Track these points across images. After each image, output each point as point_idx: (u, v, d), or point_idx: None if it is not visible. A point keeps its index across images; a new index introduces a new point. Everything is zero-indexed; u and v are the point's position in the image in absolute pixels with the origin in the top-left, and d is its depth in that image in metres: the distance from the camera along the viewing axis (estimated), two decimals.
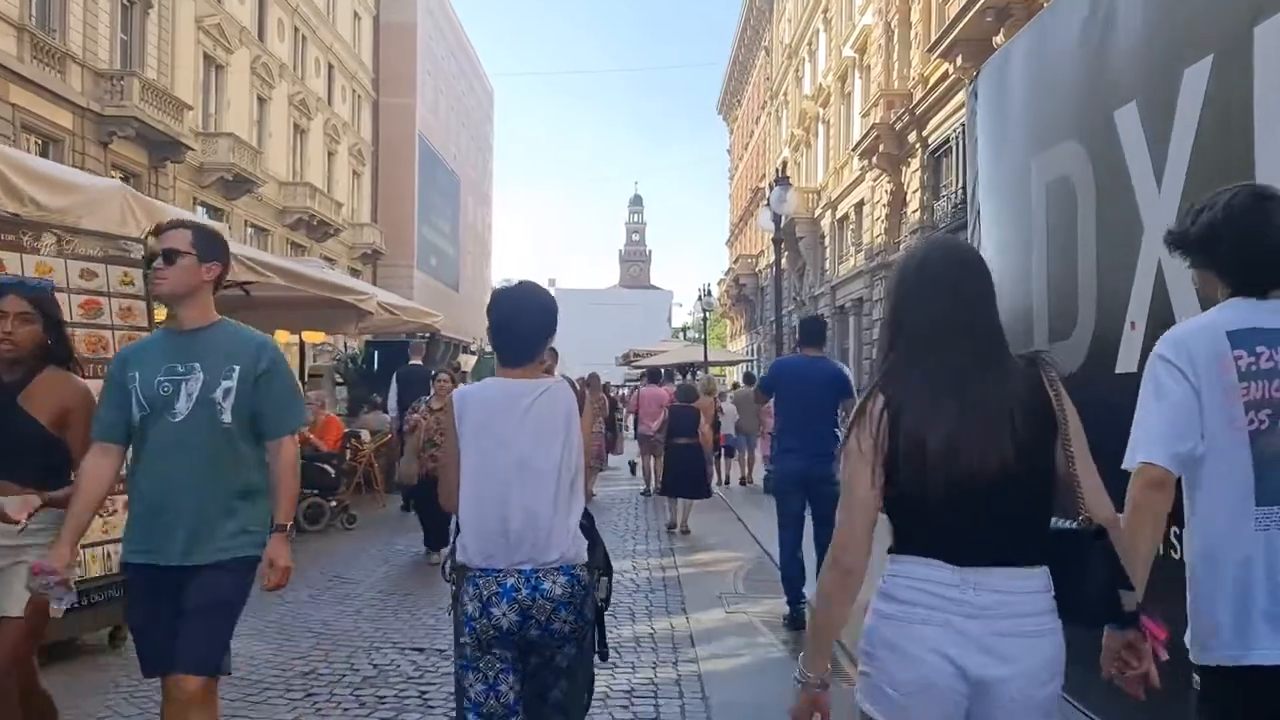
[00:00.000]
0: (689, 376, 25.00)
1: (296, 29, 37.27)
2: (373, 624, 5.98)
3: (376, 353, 14.74)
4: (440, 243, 55.54)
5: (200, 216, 29.80)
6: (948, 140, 21.82)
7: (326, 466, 9.72)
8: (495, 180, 79.26)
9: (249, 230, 33.35)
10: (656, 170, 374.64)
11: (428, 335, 15.52)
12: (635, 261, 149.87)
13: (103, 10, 23.95)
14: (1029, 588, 1.92)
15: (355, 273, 45.36)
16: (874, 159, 25.72)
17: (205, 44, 29.44)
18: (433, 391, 8.31)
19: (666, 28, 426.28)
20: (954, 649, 1.88)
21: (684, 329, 58.02)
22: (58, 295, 4.90)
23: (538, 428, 2.83)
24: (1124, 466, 2.09)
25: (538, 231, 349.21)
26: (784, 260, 41.52)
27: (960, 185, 20.99)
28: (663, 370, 22.43)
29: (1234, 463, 2.01)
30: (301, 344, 13.44)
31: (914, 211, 23.78)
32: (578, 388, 2.99)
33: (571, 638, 2.80)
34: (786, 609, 6.16)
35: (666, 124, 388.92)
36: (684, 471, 10.40)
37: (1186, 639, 2.09)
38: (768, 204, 14.04)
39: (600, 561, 3.02)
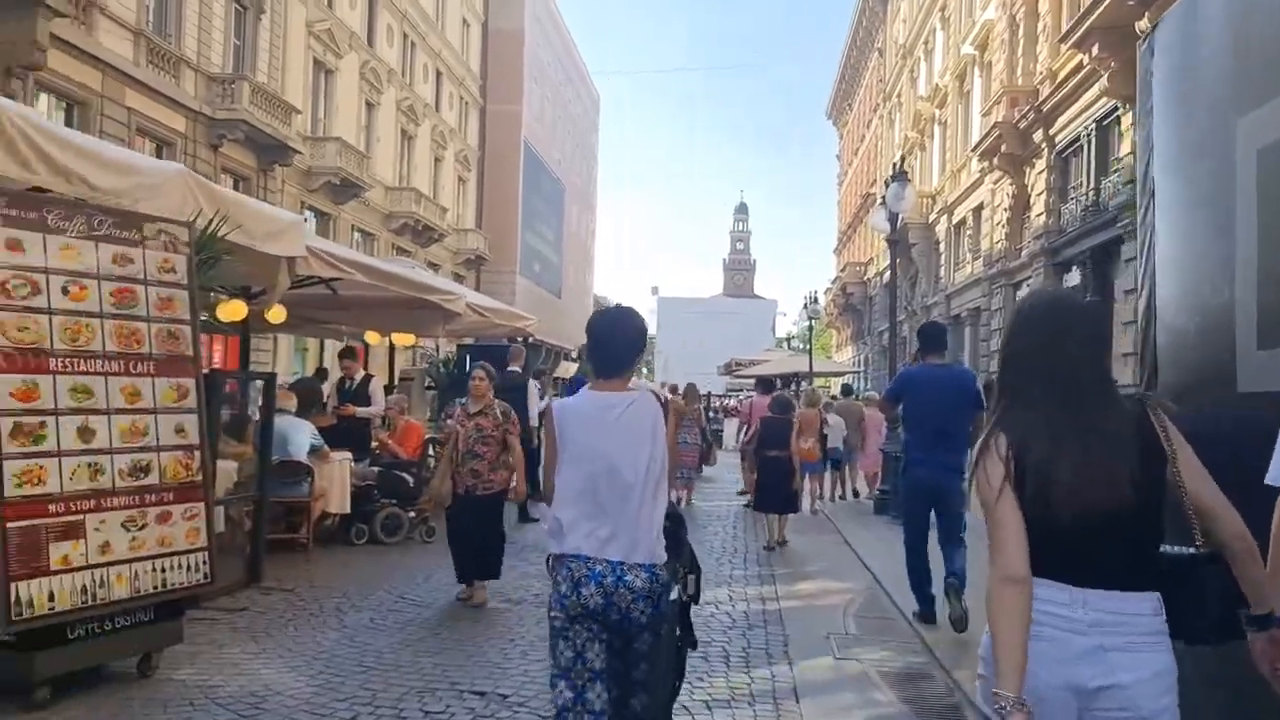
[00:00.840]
0: (793, 387, 24.00)
1: (405, 35, 37.61)
2: (433, 659, 5.29)
3: (469, 357, 14.23)
4: (543, 249, 55.58)
5: (308, 220, 30.26)
6: (1077, 139, 20.35)
7: (405, 475, 9.17)
8: (598, 187, 79.32)
9: (355, 235, 33.70)
10: (762, 176, 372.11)
11: (525, 339, 15.00)
12: (739, 270, 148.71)
13: (216, 15, 24.34)
14: (1139, 609, 2.03)
15: (459, 278, 45.63)
16: (995, 160, 24.28)
17: (315, 49, 29.79)
18: (469, 394, 6.97)
19: (777, 31, 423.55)
20: (1064, 664, 2.00)
21: (788, 338, 56.72)
22: (85, 281, 4.41)
23: (626, 436, 3.11)
24: (1267, 481, 2.10)
25: (639, 239, 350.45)
26: (897, 263, 40.21)
27: (1091, 187, 19.52)
28: (777, 380, 21.59)
29: None
30: (391, 346, 13.03)
31: (1038, 215, 22.29)
32: (662, 399, 3.25)
33: (648, 627, 3.08)
34: (917, 622, 6.24)
35: (773, 130, 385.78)
36: (776, 485, 9.95)
37: None
38: (882, 202, 13.03)
39: (687, 560, 3.35)
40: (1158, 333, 4.37)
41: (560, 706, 3.02)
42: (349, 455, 8.61)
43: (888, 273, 42.71)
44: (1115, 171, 18.44)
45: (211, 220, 5.45)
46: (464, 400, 7.03)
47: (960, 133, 31.08)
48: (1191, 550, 2.11)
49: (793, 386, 23.17)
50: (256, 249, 6.77)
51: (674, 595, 3.18)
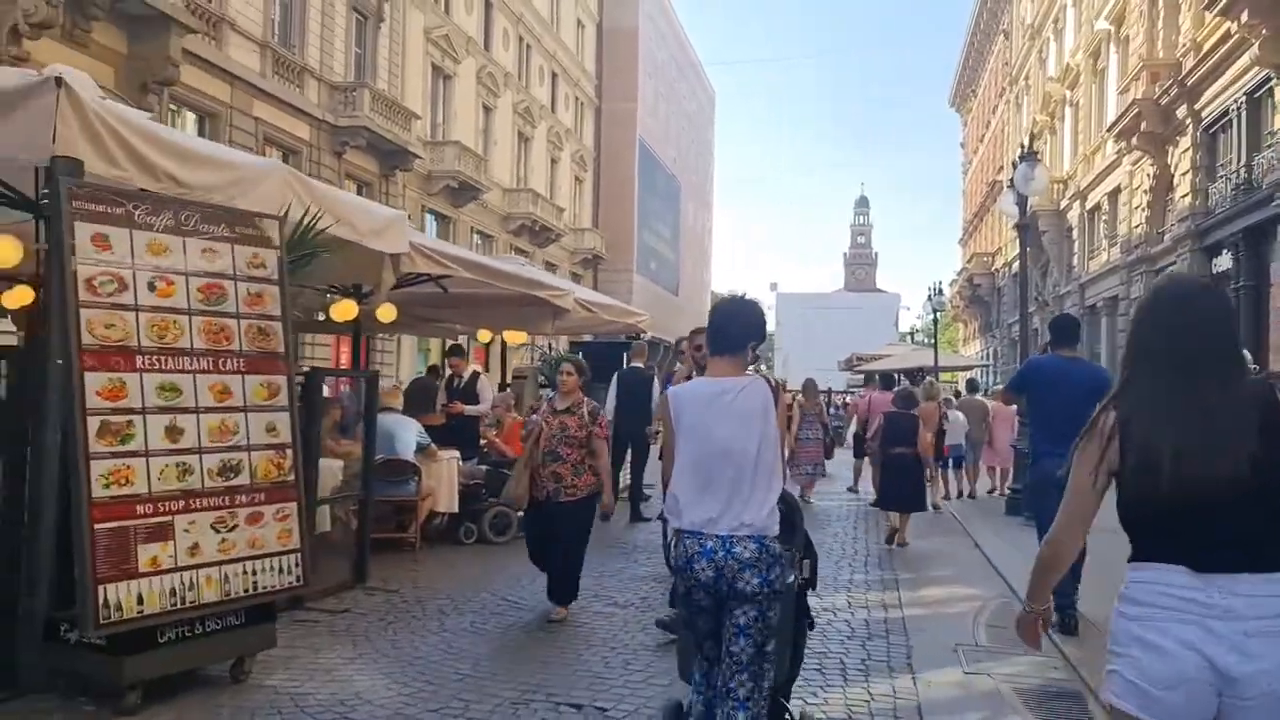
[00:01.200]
0: (910, 380, 23.12)
1: (521, 38, 38.00)
2: (531, 667, 5.06)
3: (582, 354, 14.10)
4: (660, 247, 55.48)
5: (428, 223, 30.84)
6: (1226, 113, 18.90)
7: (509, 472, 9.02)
8: (714, 183, 78.84)
9: (474, 237, 34.22)
10: (884, 169, 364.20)
11: (643, 336, 14.80)
12: (861, 264, 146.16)
13: (339, 25, 24.98)
14: (1272, 592, 2.01)
15: (576, 277, 45.93)
16: (1134, 140, 22.82)
17: (433, 54, 30.32)
18: (558, 388, 6.38)
19: (895, 15, 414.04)
20: (1207, 646, 2.00)
21: (911, 332, 55.10)
22: (172, 277, 4.33)
23: (737, 418, 3.29)
24: None
25: (758, 235, 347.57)
26: (1028, 252, 38.55)
27: (1243, 164, 18.11)
28: (896, 376, 20.91)
29: None
30: (503, 344, 12.98)
31: (1183, 196, 20.83)
32: (773, 383, 3.40)
33: (753, 599, 3.24)
34: (1056, 633, 5.63)
35: (894, 121, 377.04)
36: (900, 483, 9.74)
37: None
38: (1010, 185, 12.29)
39: (802, 545, 3.65)
40: None
41: (683, 671, 3.62)
42: (457, 454, 8.53)
43: (1016, 263, 40.94)
44: (1269, 146, 17.03)
45: (305, 214, 5.33)
46: (553, 395, 6.57)
47: (1094, 113, 29.45)
48: None
49: (912, 380, 22.30)
50: (360, 245, 6.70)
51: (790, 579, 3.51)
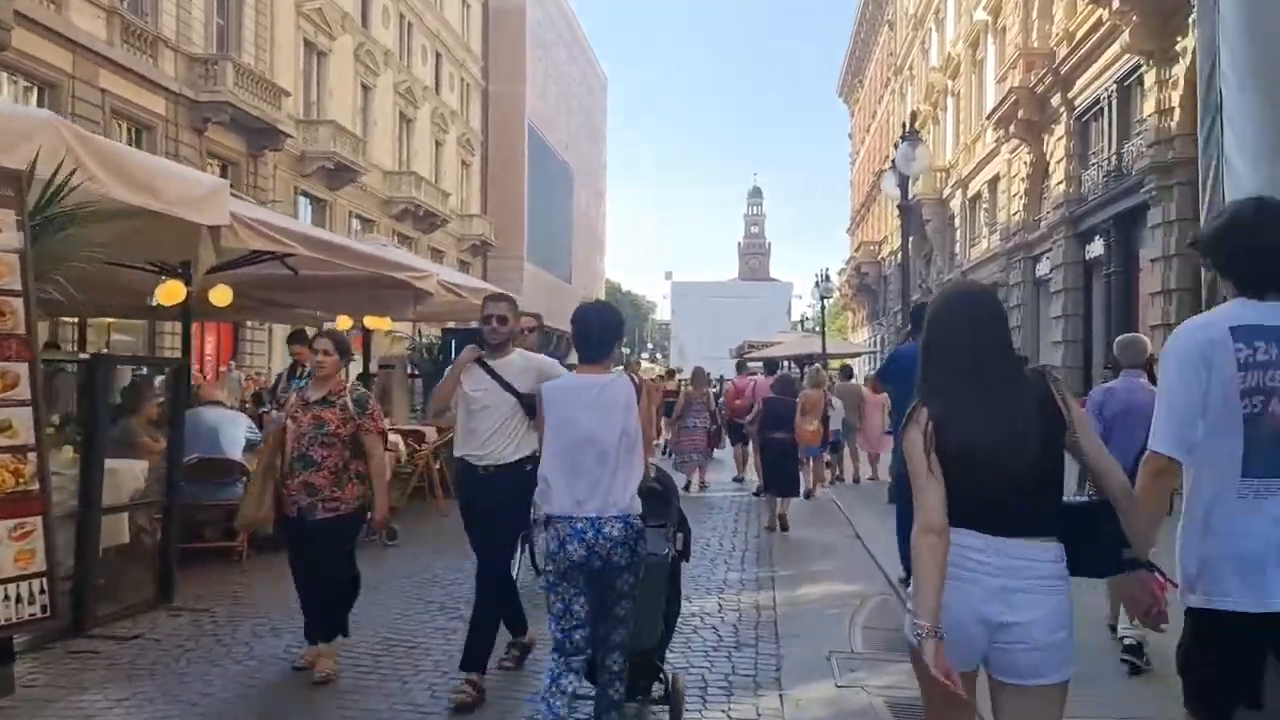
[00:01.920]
0: (792, 367, 23.02)
1: (402, 16, 36.63)
2: (343, 701, 4.37)
3: (454, 342, 13.34)
4: (551, 234, 54.59)
5: (301, 206, 29.41)
6: (1098, 101, 19.20)
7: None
8: (607, 171, 78.25)
9: (354, 221, 32.86)
10: (777, 159, 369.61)
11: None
12: (754, 254, 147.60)
13: None
14: (1042, 555, 2.38)
15: (464, 265, 44.79)
16: (1011, 128, 23.13)
17: (306, 30, 28.86)
18: (313, 371, 5.03)
19: (785, 6, 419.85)
20: (979, 600, 2.35)
21: (802, 320, 55.67)
22: None
23: (603, 411, 3.64)
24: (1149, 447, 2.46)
25: (653, 224, 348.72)
26: (910, 241, 39.07)
27: (1113, 151, 18.39)
28: (786, 363, 20.80)
29: (1229, 441, 2.38)
30: (365, 332, 12.11)
31: (1058, 184, 21.15)
32: (636, 381, 3.80)
33: (627, 569, 3.62)
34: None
35: (786, 111, 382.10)
36: (781, 467, 9.85)
37: (1179, 586, 2.48)
38: (892, 166, 12.04)
39: (675, 520, 4.11)
40: None
41: (554, 647, 3.62)
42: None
43: (901, 250, 41.55)
44: (1138, 134, 17.31)
45: (56, 172, 4.47)
46: (303, 383, 5.34)
47: (974, 103, 29.90)
48: (1087, 499, 2.51)
49: (792, 367, 22.20)
50: (168, 215, 5.86)
51: (665, 551, 3.96)
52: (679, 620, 4.46)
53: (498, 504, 4.62)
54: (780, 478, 9.84)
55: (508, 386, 4.62)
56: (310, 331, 9.25)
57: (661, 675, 4.10)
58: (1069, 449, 2.46)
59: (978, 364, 2.48)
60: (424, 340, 15.33)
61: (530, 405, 4.31)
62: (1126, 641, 4.74)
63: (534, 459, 4.29)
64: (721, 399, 16.33)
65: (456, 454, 4.84)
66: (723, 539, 9.15)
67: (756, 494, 12.50)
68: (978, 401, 2.44)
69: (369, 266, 9.12)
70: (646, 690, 4.11)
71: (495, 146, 47.51)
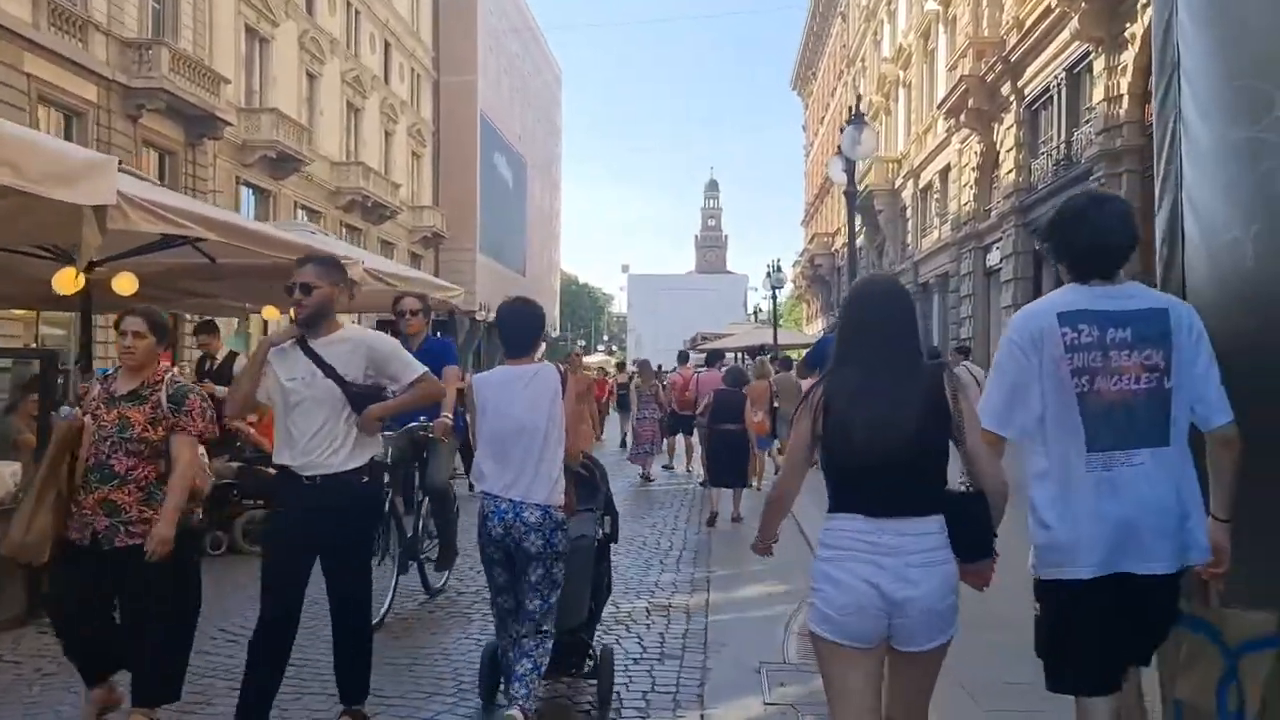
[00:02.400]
0: (744, 359, 22.85)
1: (349, 3, 35.87)
2: None
3: (391, 333, 12.90)
4: (505, 226, 54.00)
5: (244, 196, 28.66)
6: (1047, 90, 19.18)
7: (271, 470, 7.80)
8: (563, 163, 77.69)
9: (300, 213, 32.10)
10: (735, 153, 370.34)
11: (450, 313, 13.70)
12: (711, 247, 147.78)
13: None
14: (926, 531, 2.51)
15: (416, 257, 44.12)
16: (962, 117, 23.10)
17: (247, 15, 28.08)
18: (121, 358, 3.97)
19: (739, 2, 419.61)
20: (876, 578, 2.45)
21: (756, 312, 55.60)
22: None
23: (530, 400, 3.86)
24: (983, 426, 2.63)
25: (610, 216, 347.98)
26: (862, 235, 39.04)
27: (1063, 140, 18.34)
28: (738, 355, 20.59)
29: (1068, 418, 2.58)
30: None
31: (1008, 173, 21.13)
32: (562, 370, 4.01)
33: (537, 558, 3.79)
34: None
35: (744, 104, 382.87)
36: (729, 460, 9.71)
37: (1030, 559, 2.67)
38: (838, 151, 11.81)
39: (603, 504, 4.42)
40: (1187, 255, 3.21)
41: (492, 607, 3.98)
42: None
43: (848, 237, 41.59)
44: (1088, 122, 17.28)
45: None
46: (109, 370, 4.46)
47: (925, 93, 29.90)
48: (964, 489, 2.60)
49: (741, 359, 21.96)
50: (39, 195, 5.39)
51: (593, 533, 4.22)
52: (600, 625, 4.70)
53: (334, 526, 3.70)
54: (729, 471, 9.70)
55: (331, 373, 3.70)
56: (230, 323, 8.78)
57: (591, 651, 4.29)
58: (955, 442, 2.57)
59: (876, 352, 2.59)
60: None
61: (360, 398, 3.70)
62: None
63: (375, 468, 3.85)
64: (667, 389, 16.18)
65: (275, 461, 3.88)
66: (660, 537, 8.85)
67: (704, 484, 12.30)
68: (868, 387, 2.55)
69: (283, 252, 8.65)
70: (578, 666, 4.28)
71: (447, 137, 46.82)
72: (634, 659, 5.08)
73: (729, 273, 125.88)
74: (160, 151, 23.95)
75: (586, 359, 57.52)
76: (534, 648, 3.78)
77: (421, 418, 5.88)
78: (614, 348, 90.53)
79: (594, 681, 4.24)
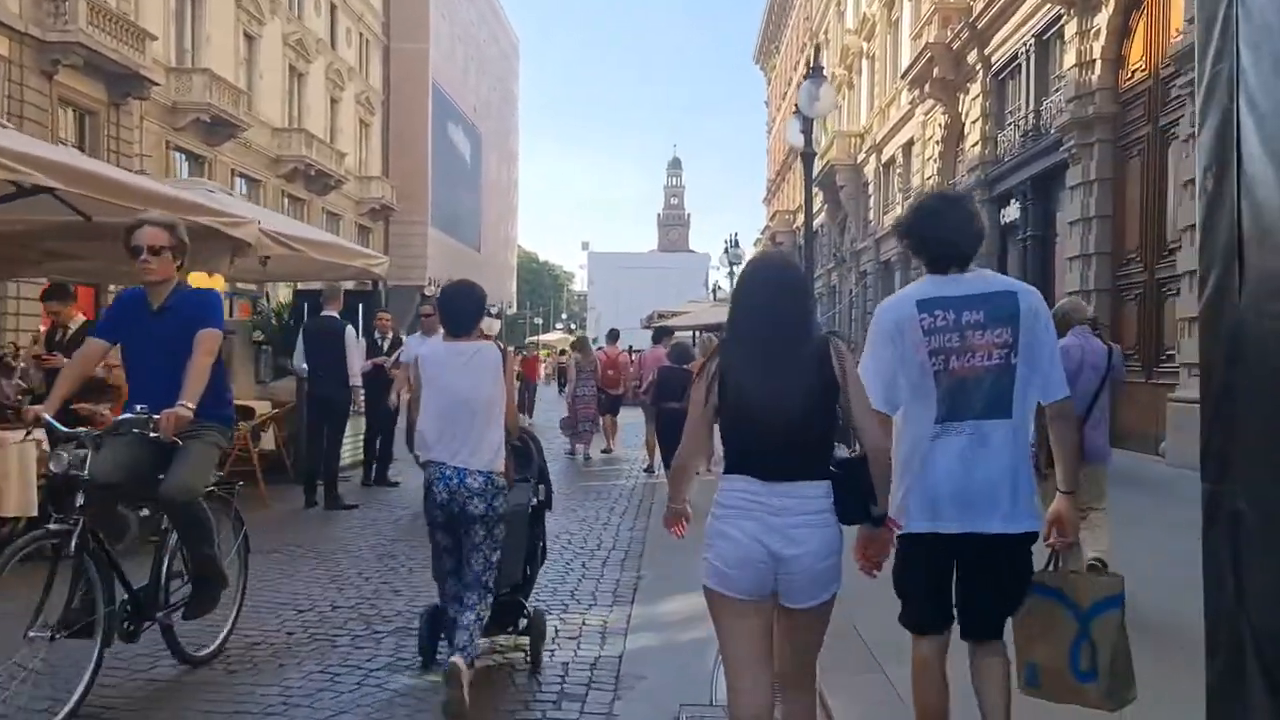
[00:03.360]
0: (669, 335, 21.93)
1: None
2: None
3: (306, 304, 11.79)
4: (459, 200, 52.58)
5: (176, 161, 27.17)
6: (1015, 58, 18.32)
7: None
8: (523, 138, 76.14)
9: (238, 181, 30.66)
10: (699, 130, 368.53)
11: (374, 283, 12.61)
12: (674, 226, 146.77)
13: None
14: (812, 494, 2.62)
15: (364, 230, 42.67)
16: (926, 87, 22.20)
17: None
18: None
19: None
20: (763, 536, 2.59)
21: (715, 289, 54.73)
22: None
23: (473, 374, 4.12)
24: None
25: (570, 193, 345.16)
26: (823, 212, 38.21)
27: (1031, 109, 17.52)
28: (693, 333, 19.72)
29: (925, 394, 2.86)
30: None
31: (973, 145, 20.29)
32: (502, 348, 4.29)
33: (480, 520, 4.06)
34: None
35: (708, 77, 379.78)
36: (674, 441, 8.01)
37: (891, 514, 2.80)
38: (796, 111, 10.84)
39: (537, 473, 4.71)
40: (1245, 176, 2.23)
41: (433, 569, 4.28)
42: (39, 436, 6.14)
43: (816, 218, 40.93)
44: (1057, 90, 16.46)
45: None
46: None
47: (889, 64, 29.02)
48: (849, 454, 2.79)
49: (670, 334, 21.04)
50: None
51: (528, 500, 4.60)
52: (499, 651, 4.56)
53: None
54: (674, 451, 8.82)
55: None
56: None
57: (525, 612, 4.52)
58: (840, 409, 2.68)
59: (766, 327, 2.69)
60: (273, 304, 13.66)
61: None
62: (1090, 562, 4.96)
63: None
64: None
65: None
66: (588, 534, 7.86)
67: (648, 470, 11.46)
68: (759, 359, 2.66)
69: (158, 206, 7.52)
70: (514, 625, 4.52)
71: (397, 106, 45.28)
72: (528, 698, 4.09)
73: (691, 251, 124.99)
74: (80, 111, 22.50)
75: (545, 337, 56.41)
76: (476, 602, 4.03)
77: (140, 406, 3.93)
78: (573, 326, 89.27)
79: (526, 639, 4.48)
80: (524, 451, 4.64)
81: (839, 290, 36.39)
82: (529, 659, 4.42)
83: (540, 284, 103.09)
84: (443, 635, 4.20)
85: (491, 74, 62.02)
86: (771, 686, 2.68)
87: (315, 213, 35.87)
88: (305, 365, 8.92)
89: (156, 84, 24.41)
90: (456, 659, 3.73)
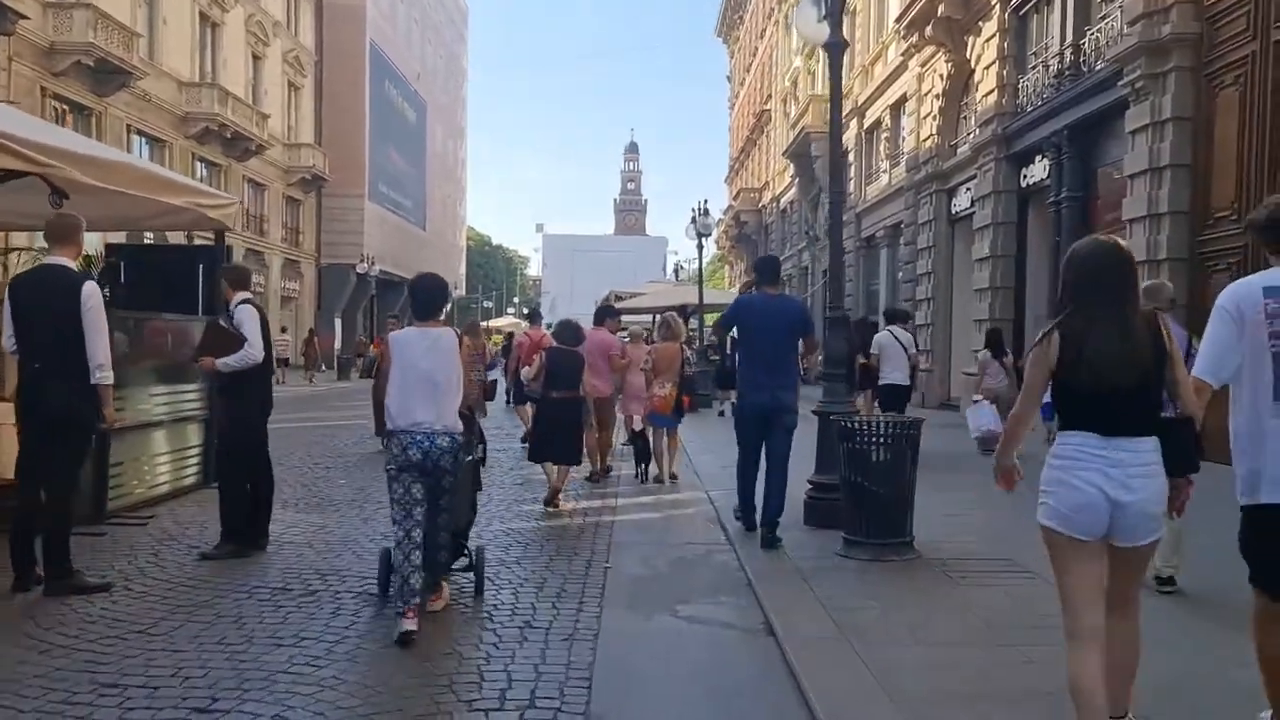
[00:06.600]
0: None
1: None
2: None
3: (124, 265, 8.51)
4: (402, 174, 48.81)
5: (54, 113, 23.32)
6: None
7: None
8: (475, 115, 72.22)
9: (137, 139, 26.91)
10: (657, 111, 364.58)
11: (231, 248, 9.20)
12: (631, 211, 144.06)
13: None
14: (1146, 448, 2.95)
15: (293, 201, 38.92)
16: (926, 31, 19.16)
17: None
18: None
19: None
20: (1104, 484, 2.91)
21: (677, 270, 51.63)
22: None
23: (438, 355, 4.84)
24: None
25: (529, 181, 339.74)
26: (794, 188, 35.15)
27: (1068, 44, 14.50)
28: (653, 315, 16.67)
29: (1262, 372, 3.08)
30: None
31: (986, 94, 17.27)
32: (458, 333, 5.08)
33: (450, 471, 4.86)
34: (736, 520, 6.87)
35: (665, 58, 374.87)
36: (556, 431, 8.13)
37: (1236, 487, 3.14)
38: (791, 26, 7.80)
39: (478, 435, 5.86)
40: None
41: (395, 524, 4.74)
42: None
43: (784, 197, 37.82)
44: (1103, 17, 13.46)
45: None
46: None
47: (874, 18, 25.99)
48: (1173, 414, 3.07)
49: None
50: None
51: (470, 456, 5.29)
52: None
53: None
54: (552, 446, 8.10)
55: None
56: None
57: (466, 550, 5.36)
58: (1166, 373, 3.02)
59: (1101, 301, 3.02)
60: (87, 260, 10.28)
61: None
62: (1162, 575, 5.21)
63: None
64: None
65: None
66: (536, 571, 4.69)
67: (590, 479, 9.53)
68: (1110, 329, 2.99)
69: None
70: (465, 557, 5.34)
71: (331, 67, 41.49)
72: None
73: (648, 236, 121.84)
74: None
75: (496, 322, 52.90)
76: (448, 540, 5.07)
77: None
78: (524, 310, 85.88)
79: (470, 573, 5.28)
80: (469, 419, 5.46)
81: (812, 271, 33.38)
82: (475, 585, 5.26)
83: (493, 267, 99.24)
84: (393, 571, 4.76)
85: (437, 39, 58.17)
86: (1101, 608, 3.02)
87: (235, 180, 32.16)
88: (14, 343, 5.43)
89: (24, 17, 20.71)
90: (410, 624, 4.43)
